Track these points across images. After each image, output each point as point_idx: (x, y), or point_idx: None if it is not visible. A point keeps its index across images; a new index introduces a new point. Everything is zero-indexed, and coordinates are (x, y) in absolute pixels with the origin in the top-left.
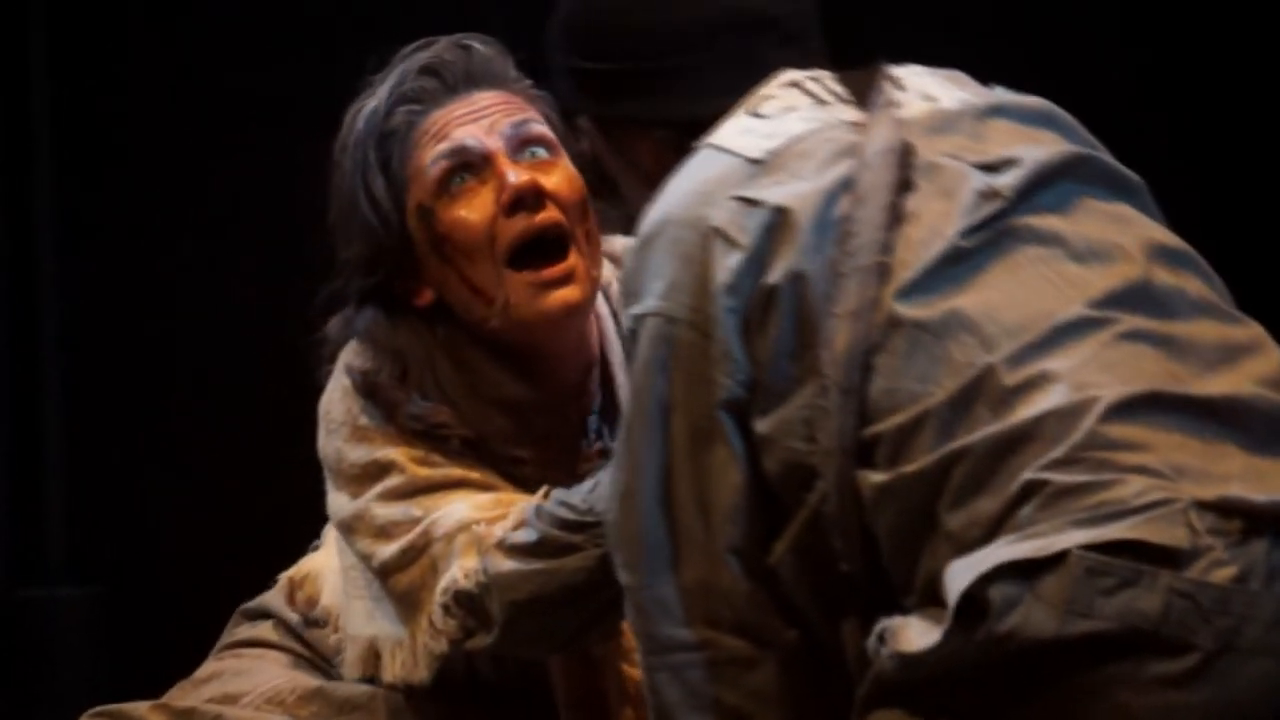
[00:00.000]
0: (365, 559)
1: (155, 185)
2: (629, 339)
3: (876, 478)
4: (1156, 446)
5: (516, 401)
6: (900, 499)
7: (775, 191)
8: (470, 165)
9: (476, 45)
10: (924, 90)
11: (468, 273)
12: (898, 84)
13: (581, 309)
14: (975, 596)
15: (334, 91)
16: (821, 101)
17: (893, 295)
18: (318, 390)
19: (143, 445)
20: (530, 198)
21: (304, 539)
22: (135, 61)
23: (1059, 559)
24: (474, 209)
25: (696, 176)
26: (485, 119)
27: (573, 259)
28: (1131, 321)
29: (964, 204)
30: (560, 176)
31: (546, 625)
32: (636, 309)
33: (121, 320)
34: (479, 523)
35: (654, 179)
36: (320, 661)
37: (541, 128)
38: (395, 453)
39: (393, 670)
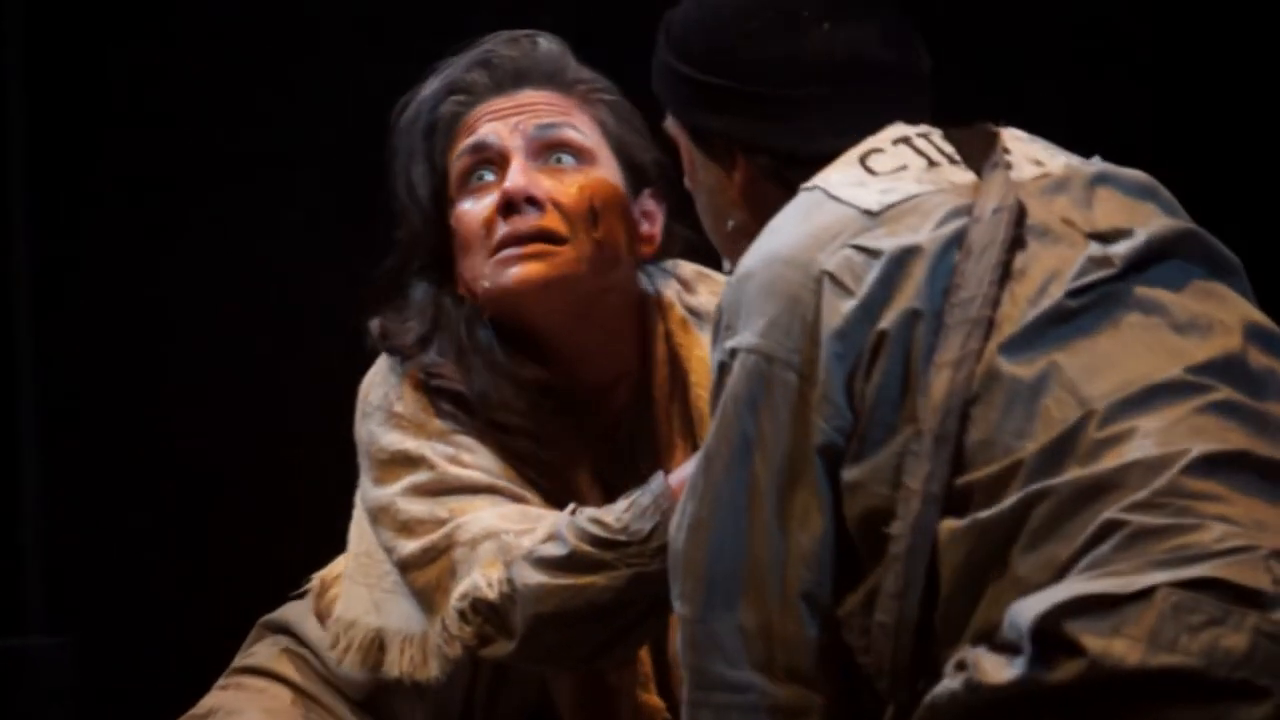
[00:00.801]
0: (387, 551)
1: (135, 234)
2: (718, 371)
3: (957, 522)
4: (1237, 501)
5: (530, 380)
6: (975, 539)
7: (892, 242)
8: (490, 162)
9: (541, 41)
10: (1030, 154)
11: (466, 264)
12: (1004, 146)
13: (547, 285)
14: (1049, 630)
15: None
16: (932, 162)
17: (995, 349)
18: (298, 445)
19: (118, 494)
20: (520, 203)
21: (282, 587)
22: (115, 90)
23: (1144, 595)
24: (480, 205)
25: (808, 220)
26: (515, 117)
27: (550, 247)
28: (1225, 392)
29: (1074, 267)
30: (577, 186)
31: (568, 640)
32: (731, 343)
33: (98, 369)
34: (506, 533)
35: (744, 199)
36: (327, 692)
37: (573, 134)
38: (427, 448)
39: (400, 665)
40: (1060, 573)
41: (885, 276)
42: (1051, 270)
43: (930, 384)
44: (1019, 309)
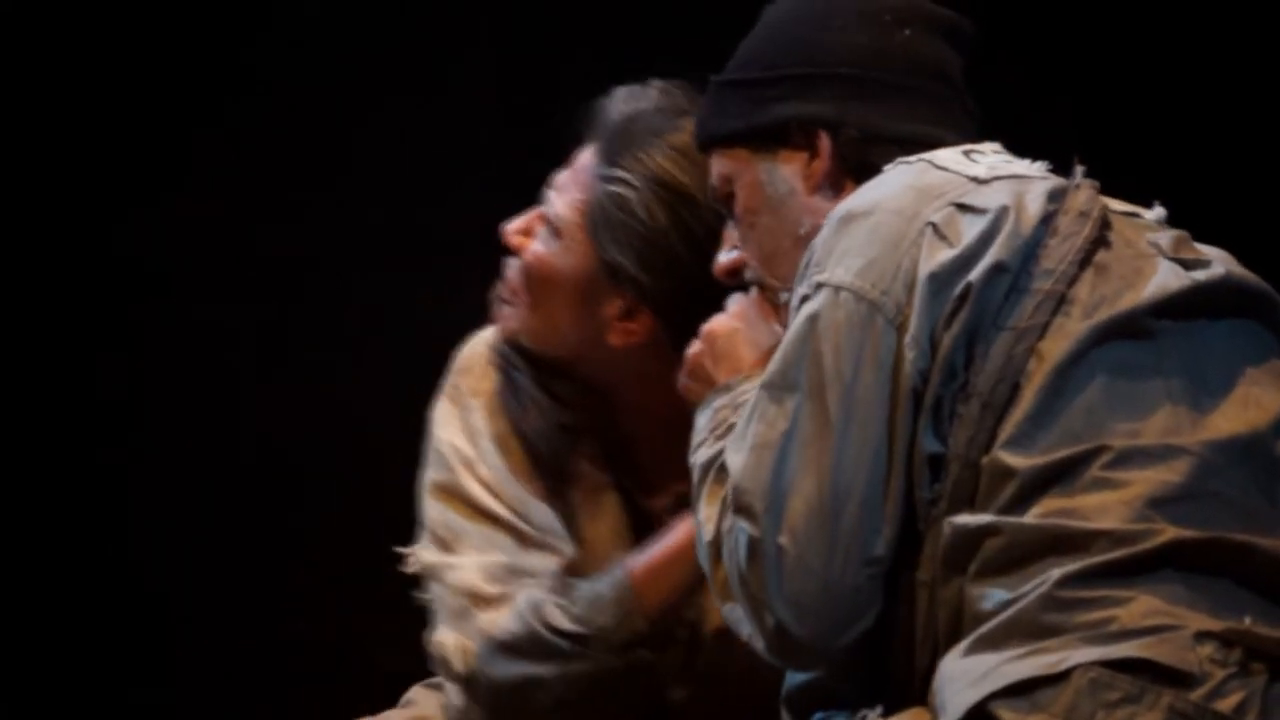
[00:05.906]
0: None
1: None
2: (799, 303)
3: (966, 518)
4: (1182, 589)
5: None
6: (949, 539)
7: (996, 200)
8: None
9: (614, 103)
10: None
11: None
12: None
13: (508, 336)
14: (977, 713)
15: None
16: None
17: (1054, 333)
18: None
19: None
20: (506, 241)
21: None
22: None
23: (1065, 675)
24: None
25: (914, 178)
26: (570, 170)
27: (504, 304)
28: (1234, 476)
29: (1155, 280)
30: (531, 251)
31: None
32: (819, 277)
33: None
34: (480, 598)
35: (821, 193)
36: None
37: (550, 208)
38: (452, 447)
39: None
40: (1003, 608)
41: (986, 233)
42: (1131, 276)
43: (990, 347)
44: (1093, 297)
